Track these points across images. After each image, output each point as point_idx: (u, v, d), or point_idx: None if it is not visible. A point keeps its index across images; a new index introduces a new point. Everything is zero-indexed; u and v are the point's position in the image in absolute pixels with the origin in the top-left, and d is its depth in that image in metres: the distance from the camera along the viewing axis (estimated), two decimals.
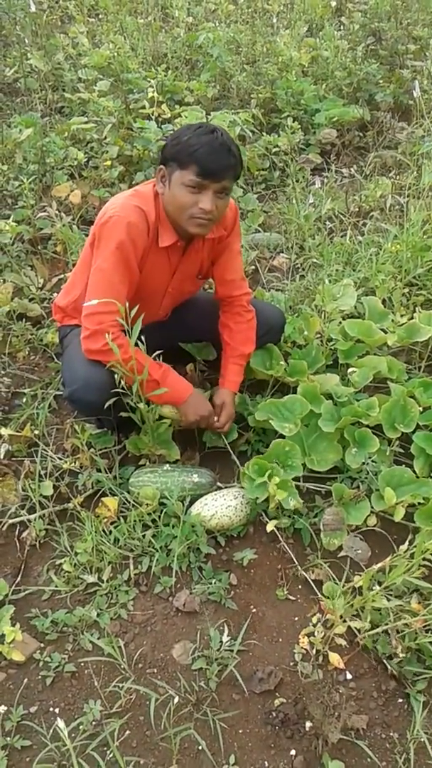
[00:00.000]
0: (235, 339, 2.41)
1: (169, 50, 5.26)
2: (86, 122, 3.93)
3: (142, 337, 2.01)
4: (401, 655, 1.77)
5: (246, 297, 2.42)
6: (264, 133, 4.32)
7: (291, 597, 2.03)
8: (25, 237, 3.34)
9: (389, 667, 1.82)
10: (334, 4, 6.29)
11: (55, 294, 3.00)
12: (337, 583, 1.92)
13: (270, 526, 2.04)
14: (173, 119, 4.07)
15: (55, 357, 2.81)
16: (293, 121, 4.33)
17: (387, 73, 5.11)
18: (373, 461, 2.20)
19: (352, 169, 4.15)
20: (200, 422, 2.28)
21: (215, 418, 2.32)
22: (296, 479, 2.15)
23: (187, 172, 1.99)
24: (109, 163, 3.71)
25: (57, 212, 3.27)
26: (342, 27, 5.79)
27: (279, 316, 2.56)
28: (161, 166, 2.06)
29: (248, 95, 4.69)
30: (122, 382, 2.02)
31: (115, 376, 2.01)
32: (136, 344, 1.99)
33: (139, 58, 5.07)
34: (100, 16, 6.10)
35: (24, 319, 2.97)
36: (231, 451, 2.31)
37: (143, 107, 4.00)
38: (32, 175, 3.59)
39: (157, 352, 2.14)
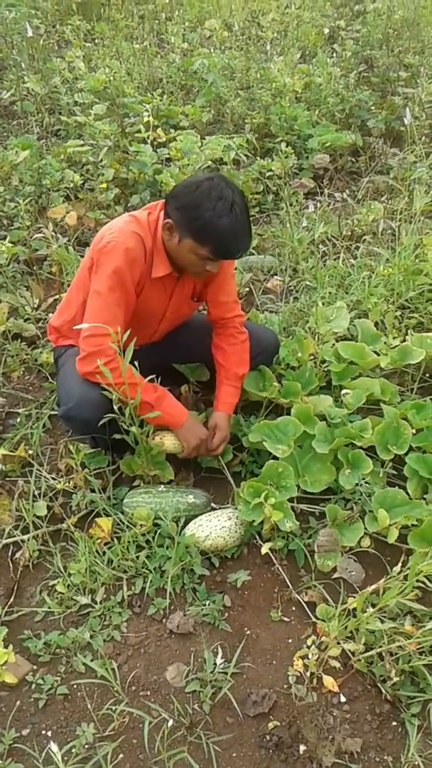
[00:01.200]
0: (228, 360, 2.42)
1: (164, 75, 5.33)
2: (82, 145, 3.98)
3: (136, 363, 2.03)
4: (395, 678, 1.77)
5: (239, 319, 2.44)
6: (258, 158, 4.38)
7: (285, 619, 2.03)
8: (21, 258, 3.37)
9: (383, 690, 1.81)
10: (326, 31, 6.41)
11: (50, 314, 3.01)
12: (331, 605, 1.92)
13: (264, 549, 2.04)
14: (168, 143, 4.11)
15: (49, 377, 2.82)
16: (287, 146, 4.38)
17: (379, 100, 5.20)
18: (366, 483, 2.21)
19: (344, 193, 4.20)
20: (200, 447, 2.30)
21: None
22: (290, 500, 2.16)
23: (203, 249, 2.05)
24: (104, 185, 3.75)
25: (53, 233, 3.29)
26: (335, 54, 5.89)
27: (272, 338, 2.59)
28: (169, 221, 2.07)
29: (242, 120, 4.76)
30: (117, 403, 2.03)
31: (111, 395, 2.02)
32: (132, 365, 2.01)
33: (135, 82, 5.13)
34: (97, 41, 6.19)
35: (19, 339, 2.98)
36: (226, 471, 2.31)
37: (139, 131, 4.05)
38: (28, 196, 3.62)
39: (153, 376, 2.15)
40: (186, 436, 2.28)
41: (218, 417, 2.38)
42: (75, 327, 2.09)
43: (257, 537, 2.19)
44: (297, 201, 3.93)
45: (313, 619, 1.96)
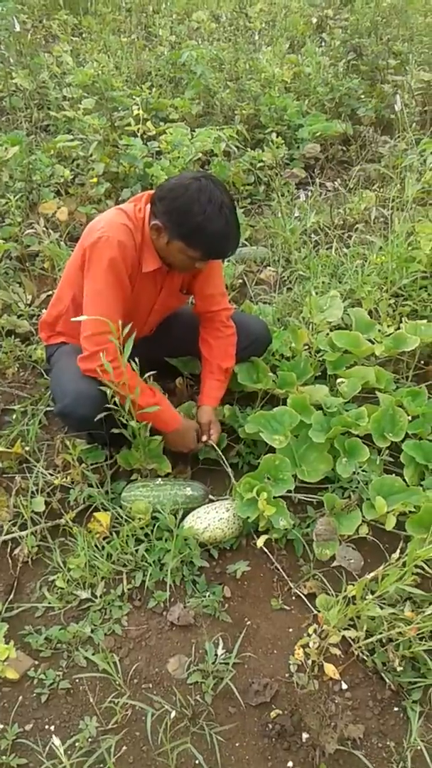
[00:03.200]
0: (213, 354, 2.42)
1: (153, 68, 5.30)
2: (72, 140, 3.96)
3: (136, 359, 2.03)
4: (398, 667, 1.78)
5: (225, 313, 2.43)
6: (248, 149, 4.36)
7: (285, 608, 2.03)
8: (13, 254, 3.36)
9: (384, 677, 1.82)
10: (315, 20, 6.39)
11: (43, 310, 3.01)
12: (330, 594, 1.93)
13: (260, 542, 2.04)
14: (158, 136, 4.10)
15: (44, 373, 2.81)
16: (277, 137, 4.37)
17: (368, 88, 5.18)
18: (363, 471, 2.21)
19: (336, 182, 4.19)
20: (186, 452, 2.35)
21: (205, 438, 2.35)
22: (287, 491, 2.16)
23: (194, 251, 2.05)
24: (95, 180, 3.73)
25: (44, 229, 3.28)
26: (323, 43, 5.87)
27: (262, 328, 2.58)
28: (157, 222, 2.05)
29: (232, 111, 4.74)
30: (115, 398, 2.03)
31: (107, 390, 2.02)
32: (132, 362, 2.01)
33: (124, 76, 5.11)
34: (84, 35, 6.16)
35: (13, 336, 2.97)
36: (224, 463, 2.31)
37: (128, 124, 4.02)
38: (19, 192, 3.60)
39: (152, 372, 2.16)
40: (175, 442, 2.32)
41: (204, 412, 2.38)
42: (73, 319, 2.08)
43: (256, 527, 2.19)
44: (288, 191, 3.92)
45: (314, 612, 1.96)
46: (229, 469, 2.28)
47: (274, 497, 2.11)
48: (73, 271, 2.24)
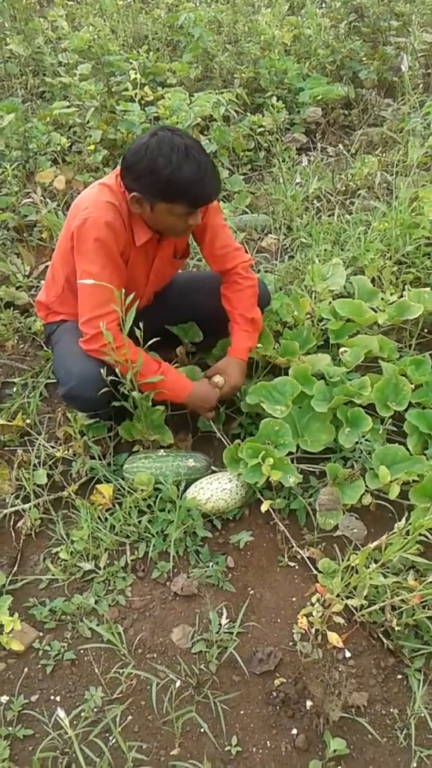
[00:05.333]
0: (234, 306, 2.38)
1: (149, 31, 5.19)
2: (68, 107, 3.88)
3: (141, 325, 2.00)
4: (397, 628, 1.78)
5: (242, 264, 2.37)
6: (248, 113, 4.28)
7: (288, 577, 2.03)
8: (10, 224, 3.32)
9: (386, 643, 1.82)
10: None
11: (41, 281, 2.97)
12: (333, 561, 1.93)
13: (264, 507, 2.04)
14: (156, 101, 4.02)
15: (44, 345, 2.79)
16: (277, 101, 4.29)
17: (370, 50, 5.05)
18: (366, 440, 2.20)
19: (338, 147, 4.12)
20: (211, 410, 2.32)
21: (217, 379, 2.32)
22: (290, 455, 2.15)
23: (178, 206, 1.99)
24: (92, 147, 3.67)
25: (41, 198, 3.23)
26: (323, 4, 5.73)
27: (260, 286, 2.52)
28: (134, 194, 1.99)
29: (231, 75, 4.65)
30: (117, 370, 2.01)
31: (113, 368, 2.01)
32: (137, 328, 2.01)
33: (120, 40, 5.00)
34: None
35: (12, 308, 2.95)
36: (223, 437, 2.30)
37: (126, 90, 3.94)
38: (15, 161, 3.54)
39: (153, 340, 2.13)
40: (196, 405, 2.28)
41: (227, 362, 2.34)
42: (79, 281, 2.03)
43: (260, 495, 2.17)
44: (289, 157, 3.85)
45: (316, 573, 1.96)
46: (228, 443, 2.26)
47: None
48: (65, 251, 2.18)
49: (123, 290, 1.94)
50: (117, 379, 2.04)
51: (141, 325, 2.04)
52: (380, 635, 1.84)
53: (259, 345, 2.43)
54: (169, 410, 2.34)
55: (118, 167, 2.11)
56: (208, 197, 2.05)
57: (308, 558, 2.04)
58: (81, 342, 2.09)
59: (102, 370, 2.02)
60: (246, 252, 2.45)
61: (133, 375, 2.04)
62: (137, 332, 2.02)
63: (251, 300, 2.38)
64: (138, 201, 2.01)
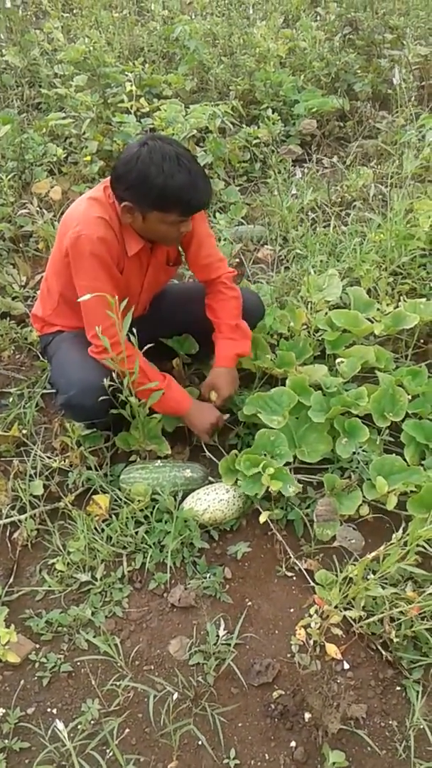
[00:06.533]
0: (218, 316, 2.38)
1: (145, 44, 5.23)
2: (64, 118, 3.90)
3: (134, 332, 2.01)
4: (395, 639, 1.78)
5: (226, 276, 2.38)
6: (244, 125, 4.30)
7: (286, 588, 2.03)
8: (6, 235, 3.32)
9: (384, 654, 1.82)
10: None
11: (38, 292, 2.97)
12: (331, 572, 1.92)
13: (263, 517, 2.04)
14: (152, 113, 4.04)
15: (40, 356, 2.78)
16: (273, 113, 4.31)
17: (365, 63, 5.09)
18: (363, 451, 2.20)
19: (333, 159, 4.14)
20: (211, 429, 2.30)
21: (213, 396, 2.33)
22: (287, 465, 2.15)
23: (170, 215, 1.99)
24: (88, 158, 3.68)
25: (38, 209, 3.23)
26: (318, 17, 5.78)
27: (255, 301, 2.55)
28: (126, 203, 1.99)
29: (227, 87, 4.68)
30: (127, 380, 2.04)
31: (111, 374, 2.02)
32: (132, 334, 2.02)
33: (116, 52, 5.03)
34: (75, 11, 6.04)
35: (8, 318, 2.94)
36: (223, 451, 2.30)
37: (121, 101, 3.97)
38: (11, 172, 3.55)
39: (147, 346, 2.14)
40: (195, 422, 2.28)
41: (215, 374, 2.34)
42: (80, 299, 2.02)
43: (258, 506, 2.17)
44: (285, 168, 3.87)
45: (313, 585, 1.95)
46: (225, 454, 2.27)
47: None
48: (58, 265, 2.19)
49: (116, 297, 1.94)
50: (115, 384, 2.04)
51: (135, 331, 2.05)
52: (379, 647, 1.84)
53: (253, 359, 2.44)
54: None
55: (105, 179, 2.12)
56: (200, 204, 2.06)
57: (306, 570, 2.03)
58: (92, 352, 2.10)
59: (105, 380, 2.02)
60: (228, 265, 2.46)
61: (133, 384, 2.05)
62: (131, 338, 2.02)
63: (235, 310, 2.39)
64: (130, 211, 2.01)
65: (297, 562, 2.05)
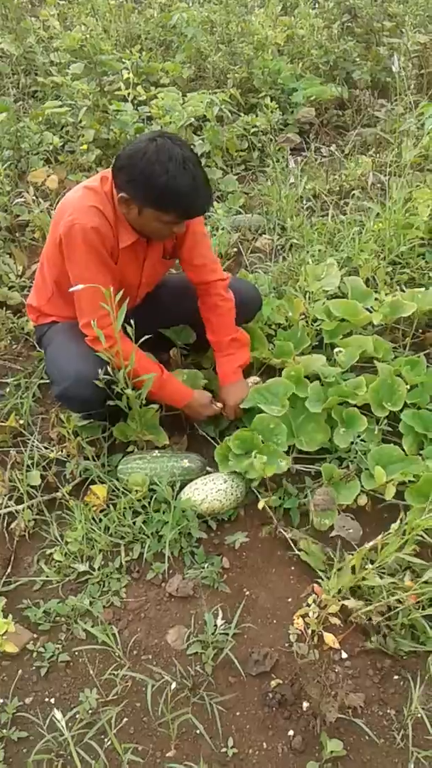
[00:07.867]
0: (217, 332, 2.38)
1: (142, 31, 5.18)
2: (60, 106, 3.87)
3: (131, 322, 2.00)
4: (393, 628, 1.78)
5: (222, 283, 2.36)
6: (242, 114, 4.27)
7: (284, 578, 2.03)
8: (2, 224, 3.30)
9: (380, 644, 1.82)
10: None
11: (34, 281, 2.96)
12: (331, 559, 1.92)
13: (261, 504, 2.03)
14: (149, 101, 4.00)
15: (37, 346, 2.76)
16: (271, 101, 4.28)
17: (363, 51, 5.06)
18: (361, 441, 2.19)
19: (331, 147, 4.12)
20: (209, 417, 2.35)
21: (219, 405, 2.36)
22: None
23: (168, 215, 1.98)
24: (85, 147, 3.66)
25: (34, 198, 3.21)
26: (317, 5, 5.73)
27: (252, 293, 2.54)
28: (124, 195, 1.96)
29: (224, 75, 4.64)
30: (123, 372, 2.03)
31: (106, 367, 2.01)
32: (128, 325, 2.01)
33: (113, 40, 4.99)
34: None
35: (4, 308, 2.93)
36: (218, 442, 2.30)
37: (118, 89, 3.93)
38: (7, 160, 3.53)
39: (145, 337, 2.12)
40: (195, 413, 2.32)
41: (224, 392, 2.36)
42: (71, 289, 2.02)
43: (257, 493, 2.17)
44: (283, 157, 3.85)
45: (311, 575, 1.96)
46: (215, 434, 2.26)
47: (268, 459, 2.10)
48: (52, 255, 2.17)
49: (111, 288, 1.93)
50: (110, 376, 2.03)
51: (132, 323, 2.03)
52: (376, 636, 1.84)
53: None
54: (163, 411, 2.33)
55: (104, 170, 2.11)
56: (199, 210, 2.06)
57: (291, 539, 2.03)
58: (87, 341, 2.09)
59: (100, 371, 2.01)
60: (226, 255, 2.45)
61: (130, 374, 2.04)
62: (128, 329, 2.01)
63: (232, 322, 2.39)
64: (126, 202, 1.99)
65: (288, 535, 2.05)
